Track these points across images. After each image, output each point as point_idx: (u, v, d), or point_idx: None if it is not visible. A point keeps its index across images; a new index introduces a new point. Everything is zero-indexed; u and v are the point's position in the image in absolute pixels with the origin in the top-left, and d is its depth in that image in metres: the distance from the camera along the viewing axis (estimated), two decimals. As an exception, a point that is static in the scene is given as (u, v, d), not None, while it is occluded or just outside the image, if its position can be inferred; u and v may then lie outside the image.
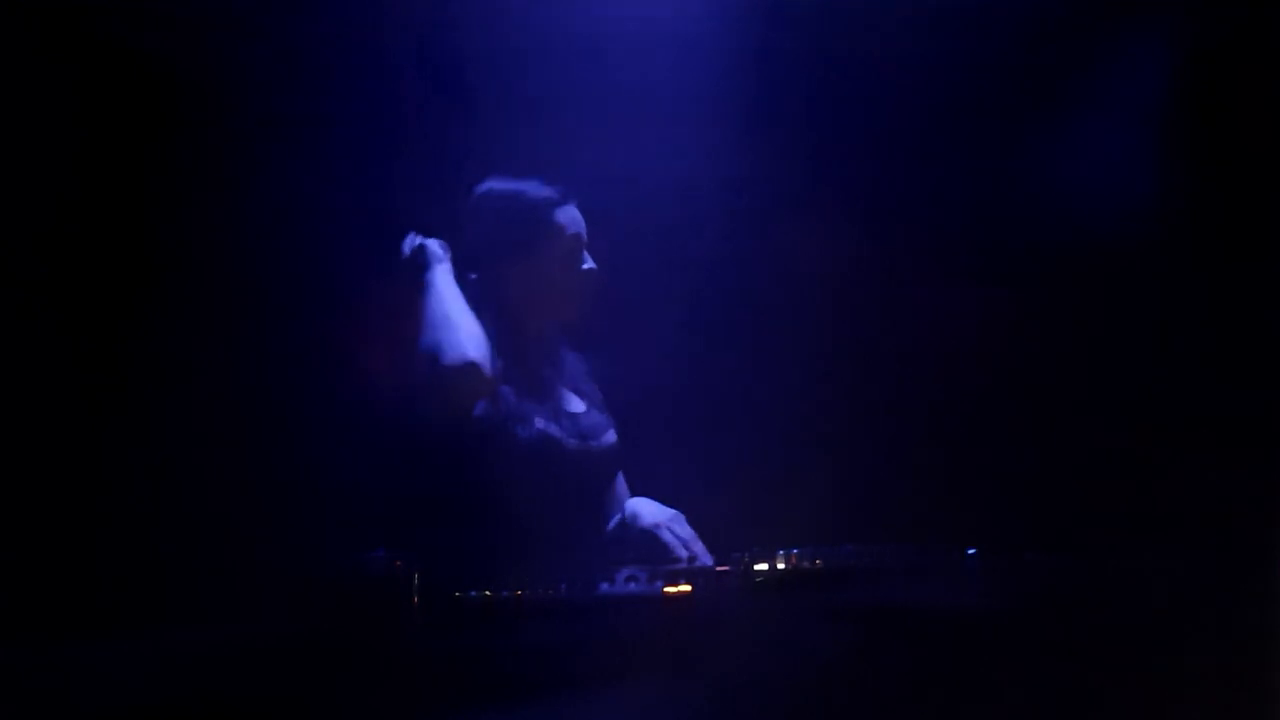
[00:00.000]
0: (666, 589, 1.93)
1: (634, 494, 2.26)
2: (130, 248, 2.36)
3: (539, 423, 2.18)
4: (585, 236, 2.24)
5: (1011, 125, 2.51)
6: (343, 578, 1.90)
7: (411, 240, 2.21)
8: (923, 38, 2.47)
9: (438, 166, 2.39)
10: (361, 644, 1.84)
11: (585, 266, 2.23)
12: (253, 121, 2.39)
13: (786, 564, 1.95)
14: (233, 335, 2.34)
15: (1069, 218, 2.45)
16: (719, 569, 2.01)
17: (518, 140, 2.35)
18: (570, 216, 2.22)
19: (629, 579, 1.94)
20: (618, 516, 2.21)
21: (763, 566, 1.96)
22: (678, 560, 2.10)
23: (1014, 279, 2.46)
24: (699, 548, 2.15)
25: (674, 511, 2.18)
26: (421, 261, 2.19)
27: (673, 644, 1.88)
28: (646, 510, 2.18)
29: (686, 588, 1.94)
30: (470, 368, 2.08)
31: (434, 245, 2.20)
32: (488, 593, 1.90)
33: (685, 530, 2.16)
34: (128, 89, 2.36)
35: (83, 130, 2.32)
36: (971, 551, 1.98)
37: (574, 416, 2.24)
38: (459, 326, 2.10)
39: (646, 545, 2.13)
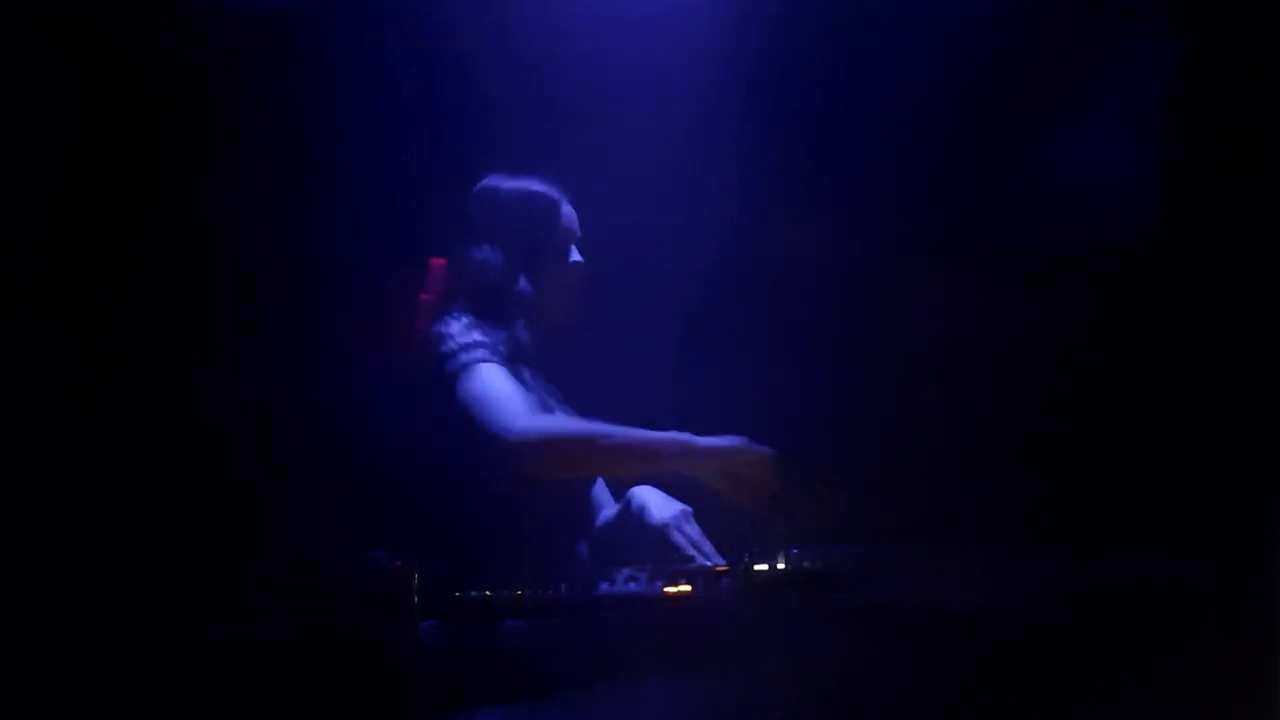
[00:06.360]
0: (666, 589, 1.93)
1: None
2: (131, 247, 2.37)
3: None
4: (578, 232, 2.26)
5: (1014, 126, 2.51)
6: (343, 578, 1.90)
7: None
8: (928, 38, 2.47)
9: (439, 163, 2.39)
10: (361, 644, 1.84)
11: (573, 260, 2.24)
12: (254, 122, 2.40)
13: (786, 564, 1.95)
14: (233, 335, 2.34)
15: (1069, 218, 2.44)
16: (719, 569, 2.01)
17: (517, 139, 2.36)
18: (567, 213, 2.26)
19: (629, 579, 1.94)
20: (613, 509, 2.19)
21: (763, 567, 1.95)
22: (686, 561, 2.08)
23: (1018, 279, 2.46)
24: (708, 548, 2.12)
25: (683, 506, 2.13)
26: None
27: (673, 644, 1.87)
28: (654, 504, 2.12)
29: (686, 588, 1.93)
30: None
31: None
32: (488, 593, 1.90)
33: (694, 529, 2.12)
34: (128, 89, 2.37)
35: (83, 130, 2.32)
36: (971, 552, 1.98)
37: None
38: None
39: (654, 544, 2.10)
